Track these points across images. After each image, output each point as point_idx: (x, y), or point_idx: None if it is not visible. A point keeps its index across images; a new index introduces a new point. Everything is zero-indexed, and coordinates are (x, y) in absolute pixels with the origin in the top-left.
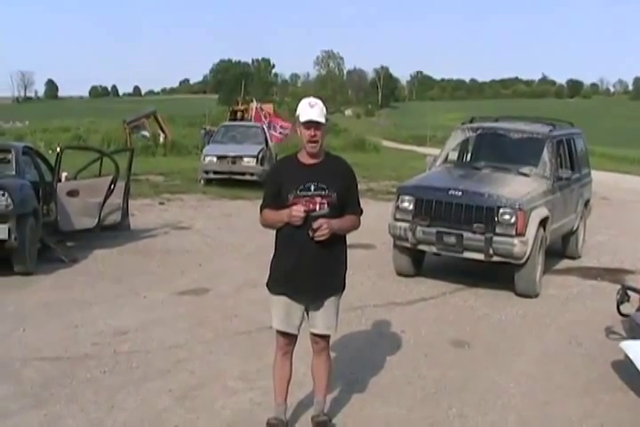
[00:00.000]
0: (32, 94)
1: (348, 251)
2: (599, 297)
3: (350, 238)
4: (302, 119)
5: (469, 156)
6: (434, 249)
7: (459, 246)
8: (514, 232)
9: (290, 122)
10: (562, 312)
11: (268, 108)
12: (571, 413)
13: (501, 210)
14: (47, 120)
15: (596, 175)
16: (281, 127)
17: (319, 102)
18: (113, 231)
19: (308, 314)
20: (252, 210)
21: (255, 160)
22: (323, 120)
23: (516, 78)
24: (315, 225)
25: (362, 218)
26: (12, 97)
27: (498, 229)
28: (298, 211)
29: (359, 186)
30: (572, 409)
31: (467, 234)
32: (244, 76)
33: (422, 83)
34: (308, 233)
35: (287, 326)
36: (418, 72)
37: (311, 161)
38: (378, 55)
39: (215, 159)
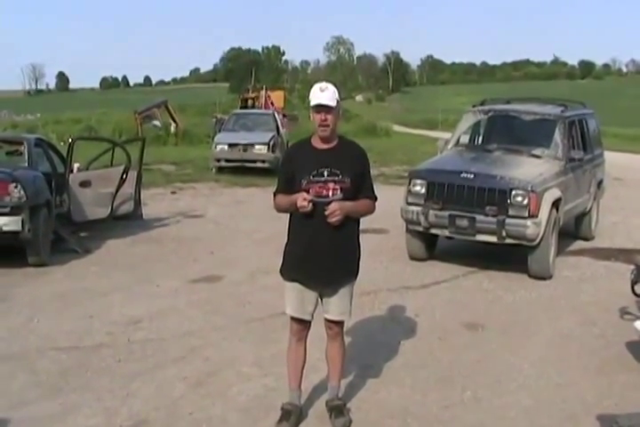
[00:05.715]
0: (43, 87)
1: (361, 236)
2: (613, 278)
3: (363, 223)
4: (312, 103)
5: (481, 138)
6: (446, 232)
7: (471, 229)
8: (526, 214)
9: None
10: (576, 293)
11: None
12: (585, 394)
13: (514, 192)
14: (59, 112)
15: (609, 156)
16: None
17: (330, 86)
18: (125, 221)
19: (321, 300)
20: (264, 197)
21: (267, 147)
22: (333, 104)
23: (528, 60)
24: (327, 211)
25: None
26: (23, 90)
27: (510, 212)
28: (303, 201)
29: (371, 171)
30: (587, 390)
31: (479, 217)
32: (255, 64)
33: (433, 67)
34: (322, 218)
35: (301, 312)
36: (428, 56)
37: (324, 146)
38: (388, 40)
39: (227, 147)
